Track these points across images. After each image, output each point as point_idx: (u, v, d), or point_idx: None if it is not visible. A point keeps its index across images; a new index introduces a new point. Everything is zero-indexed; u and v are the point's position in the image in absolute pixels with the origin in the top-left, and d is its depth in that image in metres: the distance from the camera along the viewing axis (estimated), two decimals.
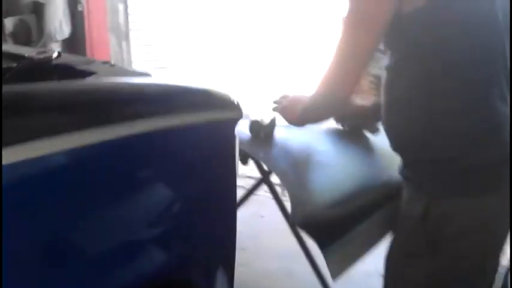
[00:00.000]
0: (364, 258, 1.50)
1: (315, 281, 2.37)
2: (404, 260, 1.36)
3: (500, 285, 1.62)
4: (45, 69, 1.44)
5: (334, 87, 1.34)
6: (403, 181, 1.38)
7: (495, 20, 1.27)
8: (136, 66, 5.09)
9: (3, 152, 0.83)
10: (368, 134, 1.80)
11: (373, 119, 1.75)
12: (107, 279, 1.05)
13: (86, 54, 4.22)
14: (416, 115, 1.28)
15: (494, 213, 1.27)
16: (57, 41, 4.04)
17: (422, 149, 1.30)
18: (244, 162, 1.86)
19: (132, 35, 5.06)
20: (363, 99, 1.69)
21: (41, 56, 1.47)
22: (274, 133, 1.75)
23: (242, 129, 1.67)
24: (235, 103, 1.35)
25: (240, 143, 1.46)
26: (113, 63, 1.68)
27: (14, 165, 0.84)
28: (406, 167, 1.36)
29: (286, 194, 1.61)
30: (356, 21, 1.27)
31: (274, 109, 1.68)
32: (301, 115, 1.52)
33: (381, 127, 1.53)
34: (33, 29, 4.03)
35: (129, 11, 4.99)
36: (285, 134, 1.76)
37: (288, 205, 1.69)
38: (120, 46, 4.88)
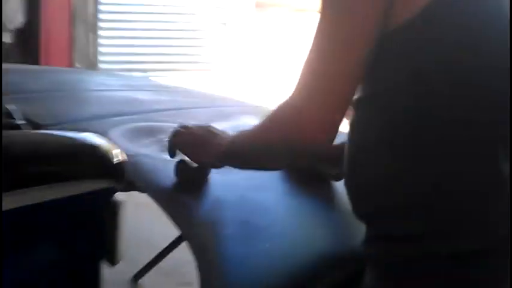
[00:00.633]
0: None
1: None
2: None
3: None
4: None
5: (303, 121, 0.89)
6: (365, 260, 0.95)
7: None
8: (103, 62, 4.60)
9: None
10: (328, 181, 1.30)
11: (339, 161, 1.25)
12: None
13: (40, 46, 3.74)
14: (397, 169, 0.88)
15: None
16: (8, 30, 3.57)
17: (400, 219, 0.89)
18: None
19: (102, 26, 4.57)
20: None
21: None
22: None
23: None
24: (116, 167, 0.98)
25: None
26: None
27: None
28: (372, 241, 0.93)
29: None
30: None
31: (173, 144, 1.18)
32: (225, 154, 1.04)
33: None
34: None
35: None
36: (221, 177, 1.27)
37: None
38: (87, 38, 4.38)
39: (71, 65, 4.38)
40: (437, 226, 0.87)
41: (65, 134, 1.15)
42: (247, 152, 1.00)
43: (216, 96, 2.31)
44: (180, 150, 1.15)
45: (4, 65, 2.62)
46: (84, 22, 4.38)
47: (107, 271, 1.09)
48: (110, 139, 1.35)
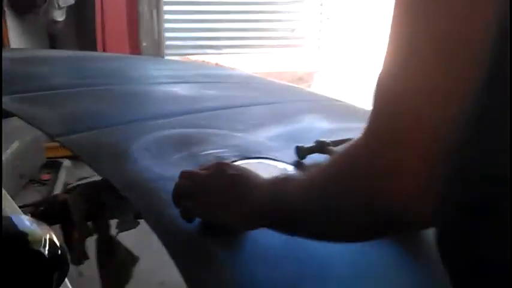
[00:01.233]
0: None
1: None
2: None
3: None
4: None
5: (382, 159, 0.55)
6: None
7: None
8: (170, 39, 4.33)
9: None
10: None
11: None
12: None
13: (95, 24, 3.50)
14: None
15: None
16: (60, 7, 3.34)
17: None
18: None
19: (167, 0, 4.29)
20: None
21: None
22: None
23: None
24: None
25: None
26: None
27: None
28: None
29: None
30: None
31: (183, 207, 0.83)
32: (265, 211, 0.72)
33: None
34: None
35: None
36: None
37: None
38: (151, 15, 4.12)
39: (133, 44, 4.14)
40: None
41: None
42: (300, 208, 0.66)
43: (281, 87, 1.95)
44: (191, 210, 0.81)
45: (38, 52, 2.40)
46: None
47: None
48: (130, 153, 1.05)
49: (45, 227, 0.65)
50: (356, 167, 0.57)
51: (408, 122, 0.51)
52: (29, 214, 0.96)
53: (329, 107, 1.68)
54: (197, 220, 0.83)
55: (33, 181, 2.75)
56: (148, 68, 1.87)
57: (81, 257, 1.15)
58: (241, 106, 1.47)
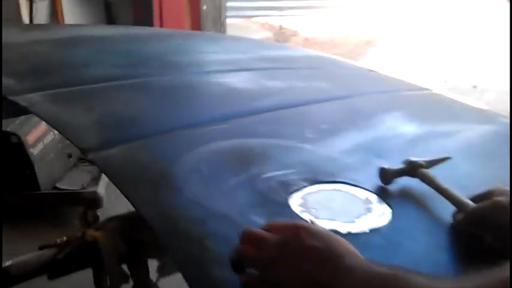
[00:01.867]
0: None
1: None
2: None
3: None
4: None
5: None
6: None
7: None
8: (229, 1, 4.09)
9: None
10: None
11: None
12: None
13: None
14: None
15: None
16: None
17: None
18: None
19: None
20: None
21: None
22: None
23: None
24: None
25: None
26: None
27: None
28: None
29: None
30: None
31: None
32: None
33: None
34: None
35: None
36: None
37: None
38: None
39: (193, 7, 3.93)
40: None
41: None
42: None
43: (354, 72, 1.69)
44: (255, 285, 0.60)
45: (84, 29, 2.21)
46: None
47: None
48: (175, 177, 0.85)
49: None
50: None
51: None
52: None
53: (413, 100, 1.42)
54: None
55: (82, 160, 2.61)
56: (201, 51, 1.64)
57: None
58: (309, 104, 1.23)
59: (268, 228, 0.62)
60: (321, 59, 1.77)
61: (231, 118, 1.09)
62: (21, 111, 1.57)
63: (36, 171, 2.27)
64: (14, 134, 2.19)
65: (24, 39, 1.56)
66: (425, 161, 0.92)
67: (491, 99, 4.62)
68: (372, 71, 1.68)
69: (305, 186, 0.87)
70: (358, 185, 0.89)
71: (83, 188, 2.41)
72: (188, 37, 1.97)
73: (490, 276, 0.48)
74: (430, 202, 0.86)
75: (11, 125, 2.21)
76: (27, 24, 3.35)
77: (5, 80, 1.12)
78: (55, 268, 0.87)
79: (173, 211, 0.76)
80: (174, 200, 0.79)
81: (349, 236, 0.76)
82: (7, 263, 1.04)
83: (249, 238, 0.61)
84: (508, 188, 0.75)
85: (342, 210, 0.83)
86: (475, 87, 5.09)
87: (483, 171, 1.01)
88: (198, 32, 3.36)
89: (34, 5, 3.46)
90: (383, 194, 0.88)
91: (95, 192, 2.34)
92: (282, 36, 5.31)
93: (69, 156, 2.56)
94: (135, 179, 0.84)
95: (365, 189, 0.89)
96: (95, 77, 1.23)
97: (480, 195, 0.81)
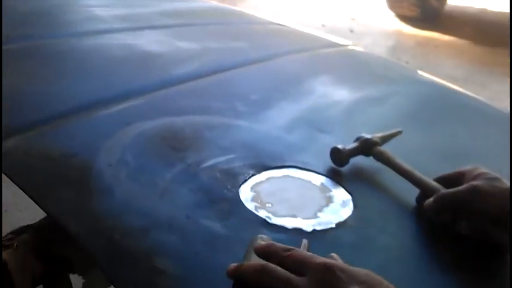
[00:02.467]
0: None
1: None
2: None
3: None
4: None
5: None
6: None
7: None
8: None
9: None
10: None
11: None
12: None
13: None
14: None
15: None
16: None
17: None
18: None
19: None
20: None
21: None
22: None
23: None
24: None
25: None
26: None
27: None
28: None
29: None
30: None
31: None
32: None
33: None
34: None
35: None
36: None
37: None
38: None
39: None
40: None
41: None
42: None
43: (260, 25, 1.56)
44: None
45: None
46: None
47: None
48: (96, 173, 0.69)
49: None
50: None
51: None
52: None
53: (334, 60, 1.32)
54: None
55: None
56: (88, 4, 1.41)
57: None
58: (229, 69, 1.09)
59: (283, 255, 0.50)
60: (224, 12, 1.61)
61: (147, 91, 0.92)
62: None
63: None
64: None
65: None
66: (379, 137, 0.83)
67: (368, 43, 4.73)
68: (281, 25, 1.56)
69: (253, 175, 0.75)
70: (309, 168, 0.79)
71: None
72: None
73: None
74: (390, 184, 0.78)
75: None
76: None
77: None
78: None
79: (105, 220, 0.60)
80: (102, 206, 0.63)
81: (315, 234, 0.65)
82: None
83: (261, 269, 0.48)
84: (490, 172, 0.68)
85: (300, 202, 0.72)
86: (352, 31, 5.18)
87: (430, 142, 0.94)
88: None
89: None
90: (338, 178, 0.78)
91: None
92: None
93: None
94: (47, 180, 0.66)
95: (318, 173, 0.78)
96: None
97: (447, 178, 0.74)
